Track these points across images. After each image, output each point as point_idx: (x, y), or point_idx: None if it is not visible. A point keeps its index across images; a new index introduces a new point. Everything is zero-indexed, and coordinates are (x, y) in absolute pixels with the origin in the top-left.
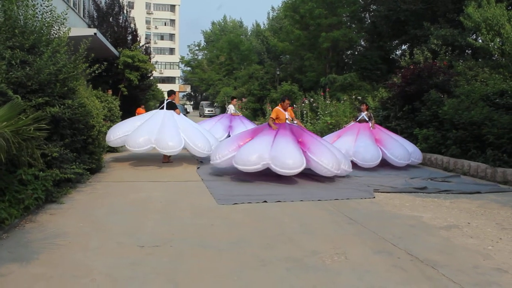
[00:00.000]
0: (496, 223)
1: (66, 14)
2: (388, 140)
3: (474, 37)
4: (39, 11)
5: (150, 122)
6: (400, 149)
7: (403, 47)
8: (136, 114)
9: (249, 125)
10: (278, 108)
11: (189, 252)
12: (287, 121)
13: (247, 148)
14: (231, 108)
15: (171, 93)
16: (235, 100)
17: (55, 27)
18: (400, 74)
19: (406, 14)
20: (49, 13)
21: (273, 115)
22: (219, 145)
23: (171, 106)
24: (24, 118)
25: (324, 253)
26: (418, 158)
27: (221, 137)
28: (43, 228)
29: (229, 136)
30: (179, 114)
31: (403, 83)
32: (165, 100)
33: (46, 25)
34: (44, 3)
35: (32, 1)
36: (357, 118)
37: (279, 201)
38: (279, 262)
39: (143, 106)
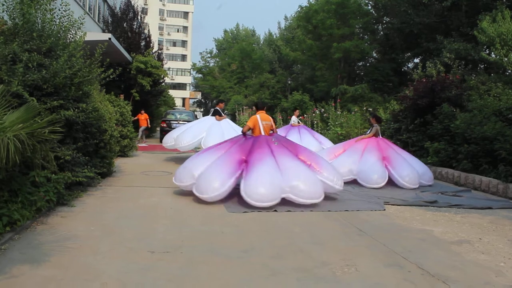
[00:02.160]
0: (508, 239)
1: (83, 19)
2: (348, 153)
3: (488, 51)
4: (57, 15)
5: (184, 126)
6: (344, 165)
7: (416, 60)
8: (138, 119)
9: (293, 136)
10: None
11: (199, 259)
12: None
13: (256, 179)
14: (293, 119)
15: (218, 101)
16: (298, 111)
17: (72, 31)
18: (412, 87)
19: (419, 27)
20: (67, 17)
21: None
22: (205, 176)
23: (215, 113)
24: (39, 121)
25: (334, 264)
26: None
27: None
28: (54, 230)
29: None
30: (219, 119)
31: (415, 96)
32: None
33: (63, 29)
34: (62, 8)
35: (50, 6)
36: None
37: (289, 211)
38: (289, 272)
39: (143, 111)
